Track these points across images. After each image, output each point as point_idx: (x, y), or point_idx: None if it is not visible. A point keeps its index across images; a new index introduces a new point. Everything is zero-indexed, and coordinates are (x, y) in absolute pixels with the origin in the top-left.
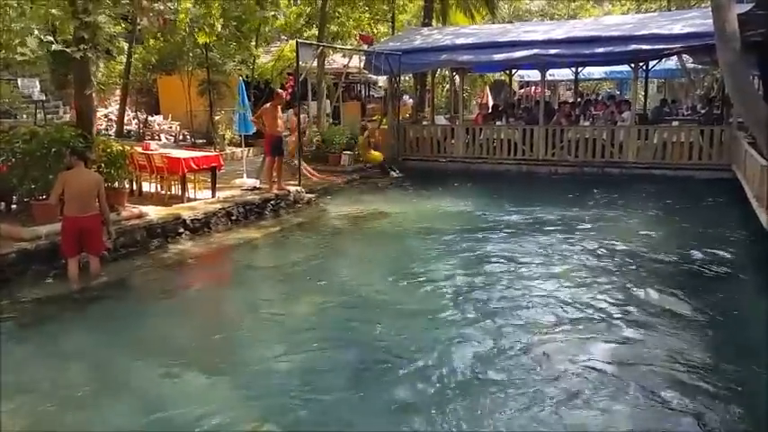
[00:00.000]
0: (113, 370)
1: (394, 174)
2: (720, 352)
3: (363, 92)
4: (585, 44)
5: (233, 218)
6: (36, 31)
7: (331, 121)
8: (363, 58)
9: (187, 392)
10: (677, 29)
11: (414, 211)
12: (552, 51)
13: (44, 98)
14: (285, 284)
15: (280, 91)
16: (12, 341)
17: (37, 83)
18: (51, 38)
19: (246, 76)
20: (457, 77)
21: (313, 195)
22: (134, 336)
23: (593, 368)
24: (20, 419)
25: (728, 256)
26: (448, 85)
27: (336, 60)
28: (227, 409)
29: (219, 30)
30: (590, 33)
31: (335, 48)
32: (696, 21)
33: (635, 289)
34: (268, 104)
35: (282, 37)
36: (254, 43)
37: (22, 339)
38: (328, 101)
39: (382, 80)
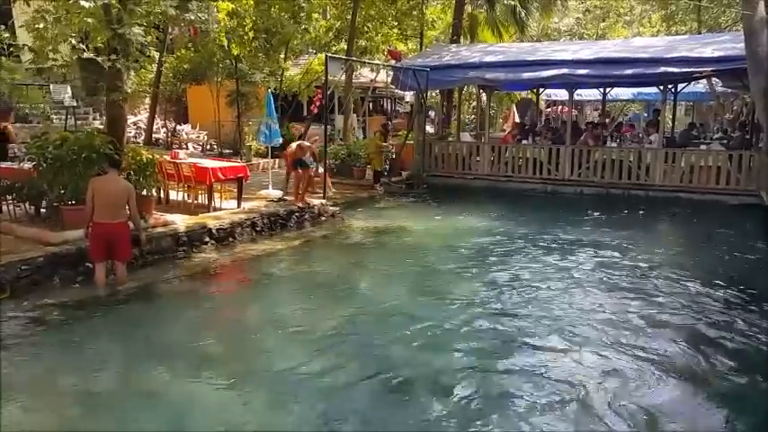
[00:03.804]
0: (137, 375)
1: (378, 189)
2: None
3: (389, 107)
4: (615, 65)
5: (257, 229)
6: (71, 39)
7: (359, 135)
8: (391, 73)
9: (208, 399)
10: (708, 52)
11: (437, 227)
12: (581, 71)
13: (75, 104)
14: (308, 297)
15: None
16: (38, 344)
17: (68, 89)
18: (83, 45)
19: (274, 88)
20: (484, 95)
21: (337, 209)
22: (158, 342)
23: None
24: (43, 420)
25: (753, 281)
26: (474, 103)
27: (364, 75)
28: (246, 418)
29: (250, 41)
30: (619, 54)
31: (364, 62)
32: (727, 44)
33: (660, 310)
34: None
35: (311, 50)
36: (282, 56)
37: (48, 342)
38: (355, 115)
39: (409, 95)
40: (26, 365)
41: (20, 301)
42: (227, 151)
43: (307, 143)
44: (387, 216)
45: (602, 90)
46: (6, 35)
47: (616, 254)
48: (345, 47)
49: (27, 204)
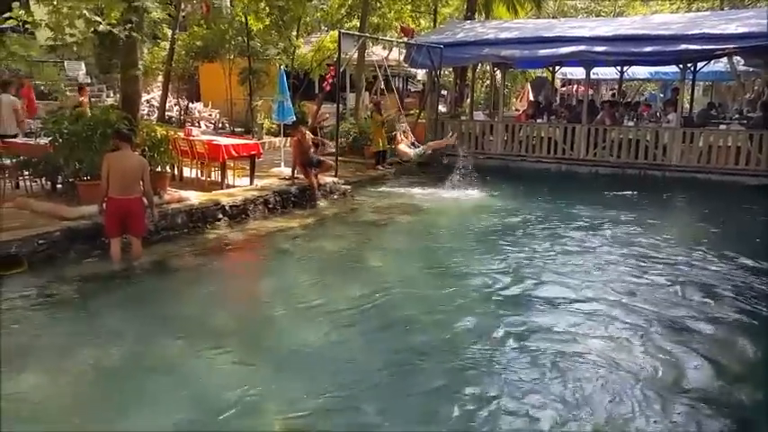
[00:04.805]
0: (152, 347)
1: (383, 168)
2: None
3: (401, 85)
4: (633, 42)
5: (270, 206)
6: (86, 12)
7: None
8: (403, 50)
9: (223, 372)
10: (731, 28)
11: (450, 205)
12: (599, 49)
13: (89, 81)
14: (320, 274)
15: (302, 129)
16: (54, 317)
17: (83, 66)
18: (99, 18)
19: (286, 66)
20: (498, 73)
21: (349, 187)
22: (173, 316)
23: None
24: (59, 391)
25: None
26: (488, 81)
27: (376, 53)
28: (261, 390)
29: (266, 17)
30: (638, 32)
31: (377, 39)
32: (752, 20)
33: (673, 295)
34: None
35: (323, 27)
36: (294, 33)
37: (64, 315)
38: (367, 93)
39: (421, 74)
40: (42, 338)
41: (37, 274)
42: (239, 129)
43: (309, 134)
44: (398, 195)
45: (619, 68)
46: (21, 12)
47: (633, 233)
48: (358, 24)
49: (43, 179)
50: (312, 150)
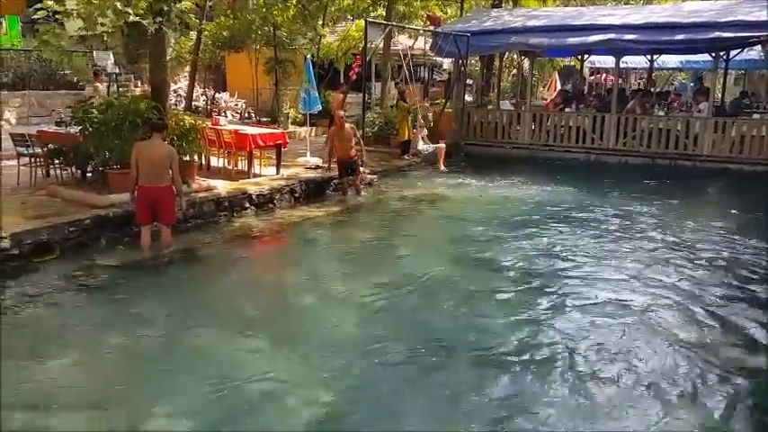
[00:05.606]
0: (181, 334)
1: (406, 157)
2: None
3: (427, 75)
4: (664, 30)
5: (296, 195)
6: (117, 3)
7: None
8: (429, 40)
9: (250, 358)
10: (765, 15)
11: (476, 196)
12: (629, 37)
13: (117, 71)
14: (347, 263)
15: (339, 113)
16: (85, 303)
17: (111, 56)
18: (129, 9)
19: (312, 56)
20: (526, 61)
21: (375, 177)
22: (201, 304)
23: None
24: (91, 375)
25: None
26: (515, 70)
27: (401, 42)
28: (289, 378)
29: (292, 7)
30: (669, 19)
31: (404, 27)
32: None
33: (695, 283)
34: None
35: (348, 17)
36: (320, 22)
37: (95, 301)
38: (393, 82)
39: (447, 63)
40: (74, 323)
41: (68, 261)
42: (265, 119)
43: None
44: (425, 185)
45: (648, 57)
46: (50, 3)
47: (667, 223)
48: (384, 13)
49: (74, 168)
50: (353, 149)
